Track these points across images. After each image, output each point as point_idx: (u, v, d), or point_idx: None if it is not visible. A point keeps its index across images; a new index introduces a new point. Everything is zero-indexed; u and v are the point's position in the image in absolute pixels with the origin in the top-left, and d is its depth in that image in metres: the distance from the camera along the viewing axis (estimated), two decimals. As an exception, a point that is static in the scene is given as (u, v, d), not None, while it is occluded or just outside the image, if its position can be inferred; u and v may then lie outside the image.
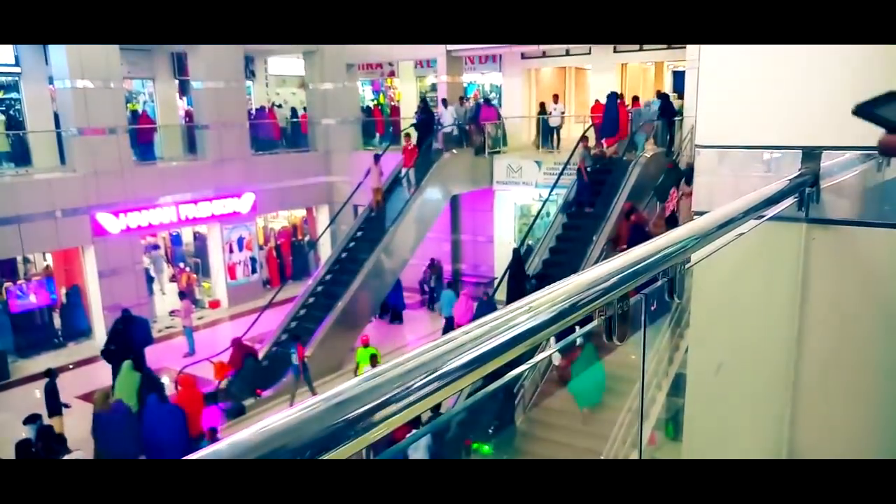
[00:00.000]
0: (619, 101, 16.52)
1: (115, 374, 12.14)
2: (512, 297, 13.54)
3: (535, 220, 16.86)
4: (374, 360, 12.35)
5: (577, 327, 1.27)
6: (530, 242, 16.49)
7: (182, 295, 16.50)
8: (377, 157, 17.08)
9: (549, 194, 16.36)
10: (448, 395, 0.83)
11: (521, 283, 13.46)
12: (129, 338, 13.14)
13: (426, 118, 18.32)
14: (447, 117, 18.45)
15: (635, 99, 17.24)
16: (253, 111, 22.70)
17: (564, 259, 14.33)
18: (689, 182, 12.19)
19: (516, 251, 14.22)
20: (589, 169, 15.35)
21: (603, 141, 16.48)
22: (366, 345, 13.23)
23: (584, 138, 15.89)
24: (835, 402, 2.58)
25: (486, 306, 13.48)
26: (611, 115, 16.13)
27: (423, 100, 19.53)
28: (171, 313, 18.32)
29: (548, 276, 14.05)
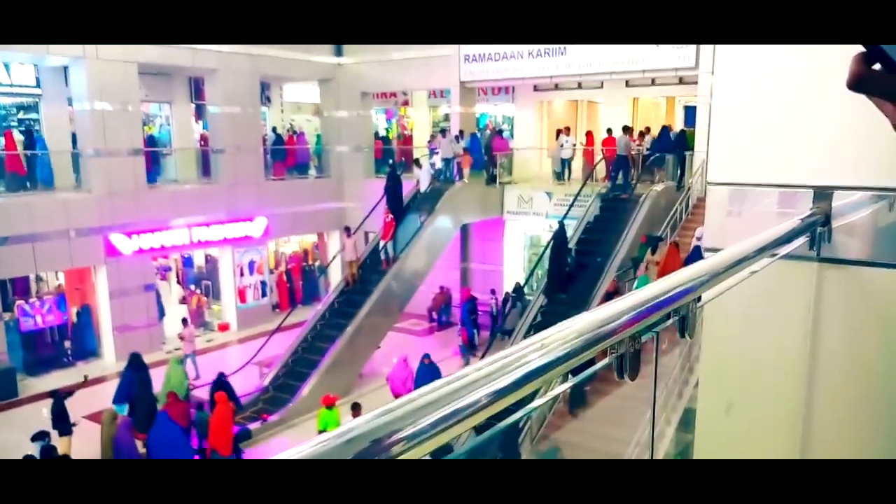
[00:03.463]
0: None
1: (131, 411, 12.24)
2: (553, 270, 14.38)
3: (545, 251, 16.91)
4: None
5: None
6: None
7: (185, 321, 16.25)
8: (348, 231, 16.86)
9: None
10: (459, 433, 0.84)
11: (562, 255, 14.35)
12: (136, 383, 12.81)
13: (393, 185, 17.06)
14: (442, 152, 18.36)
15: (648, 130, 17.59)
16: (289, 135, 23.08)
17: (602, 237, 15.24)
18: (654, 252, 12.47)
19: (561, 223, 14.85)
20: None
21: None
22: (330, 406, 11.76)
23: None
24: (847, 442, 2.55)
25: (427, 371, 13.11)
26: (664, 145, 16.59)
27: (391, 165, 18.47)
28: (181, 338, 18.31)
29: (586, 251, 15.03)
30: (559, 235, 14.51)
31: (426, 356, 13.59)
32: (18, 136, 17.75)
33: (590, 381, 1.34)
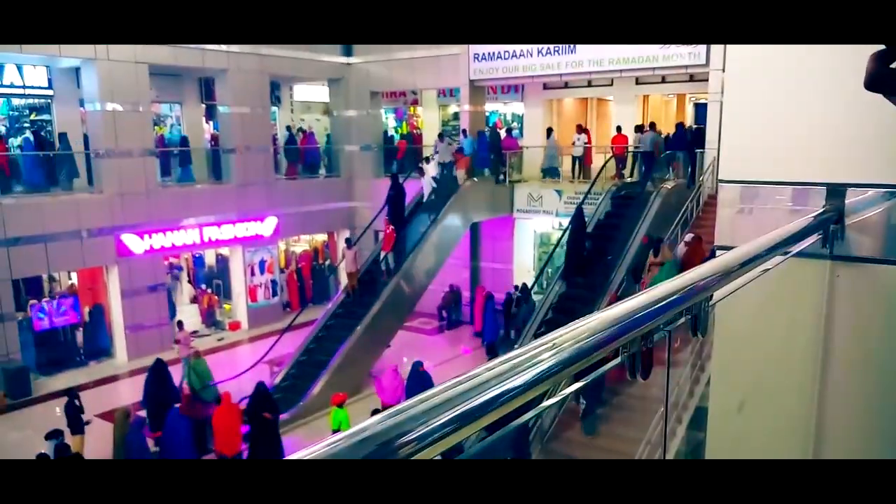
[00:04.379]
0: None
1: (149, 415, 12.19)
2: (571, 253, 14.43)
3: (556, 248, 16.84)
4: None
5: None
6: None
7: (180, 325, 15.94)
8: (349, 243, 16.85)
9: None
10: (471, 433, 0.83)
11: (580, 239, 14.47)
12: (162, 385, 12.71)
13: (395, 194, 16.95)
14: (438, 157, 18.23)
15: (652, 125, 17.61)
16: (302, 136, 23.08)
17: (618, 223, 15.33)
18: (657, 254, 12.44)
19: (579, 207, 14.92)
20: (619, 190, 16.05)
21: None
22: (340, 405, 11.63)
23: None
24: (860, 441, 2.53)
25: (419, 379, 12.66)
26: (682, 142, 16.59)
27: (393, 174, 18.00)
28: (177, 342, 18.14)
29: (604, 236, 15.08)
30: (577, 219, 14.50)
31: (419, 363, 13.07)
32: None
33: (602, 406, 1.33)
